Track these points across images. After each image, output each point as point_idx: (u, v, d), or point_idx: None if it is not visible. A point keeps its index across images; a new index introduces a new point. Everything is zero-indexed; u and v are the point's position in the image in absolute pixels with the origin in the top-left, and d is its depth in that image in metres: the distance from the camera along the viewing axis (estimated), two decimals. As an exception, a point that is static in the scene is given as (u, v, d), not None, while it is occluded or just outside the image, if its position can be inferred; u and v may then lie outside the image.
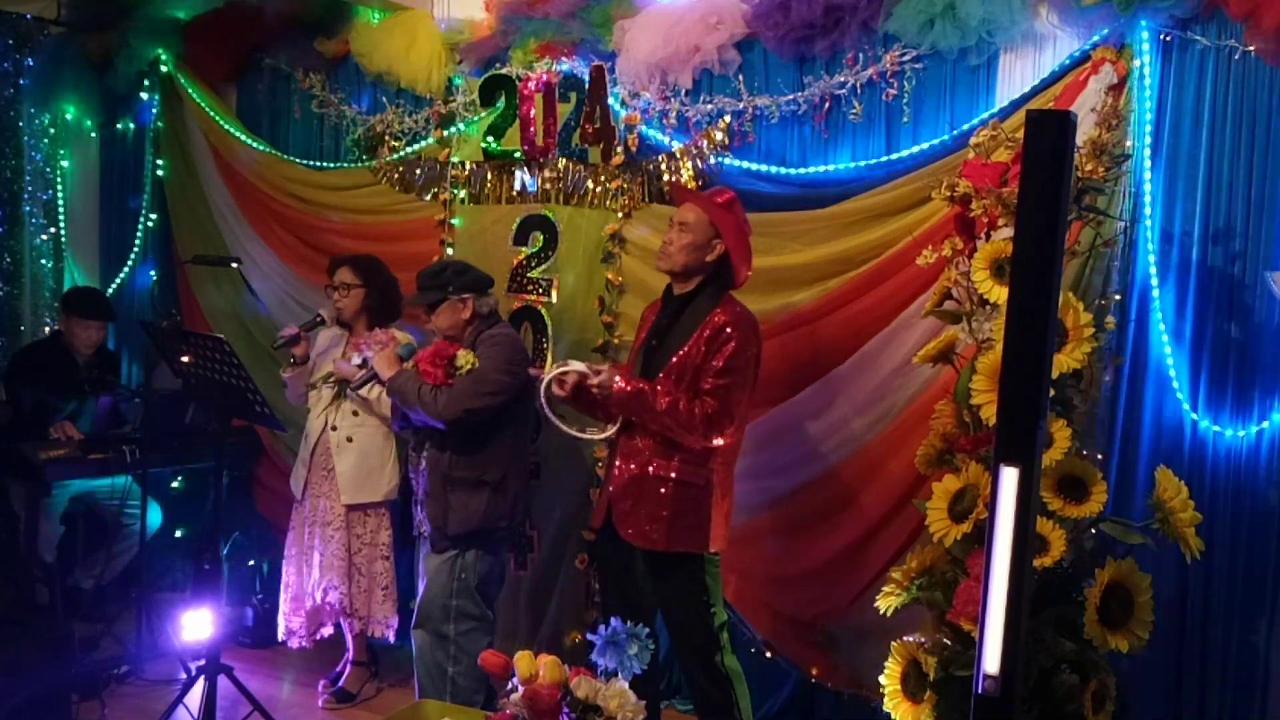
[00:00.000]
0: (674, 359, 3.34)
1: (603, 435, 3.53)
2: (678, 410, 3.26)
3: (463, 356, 3.61)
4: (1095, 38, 3.37)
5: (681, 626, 3.42)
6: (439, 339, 3.73)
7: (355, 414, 4.16)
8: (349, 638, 4.34)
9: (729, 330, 3.29)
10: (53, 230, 5.75)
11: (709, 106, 4.07)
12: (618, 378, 3.35)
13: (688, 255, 3.37)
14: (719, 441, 3.32)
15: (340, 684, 4.33)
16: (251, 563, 5.12)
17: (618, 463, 3.44)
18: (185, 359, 3.79)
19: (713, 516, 3.37)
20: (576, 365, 3.41)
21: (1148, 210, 3.36)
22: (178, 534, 5.25)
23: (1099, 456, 3.28)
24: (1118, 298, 3.36)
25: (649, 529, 3.35)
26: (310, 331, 4.22)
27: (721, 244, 3.37)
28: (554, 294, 4.32)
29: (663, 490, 3.34)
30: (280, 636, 4.31)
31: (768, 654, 4.01)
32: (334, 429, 4.17)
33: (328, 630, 4.31)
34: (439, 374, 3.59)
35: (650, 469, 3.35)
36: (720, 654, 3.40)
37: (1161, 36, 3.33)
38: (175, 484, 5.21)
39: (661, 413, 3.27)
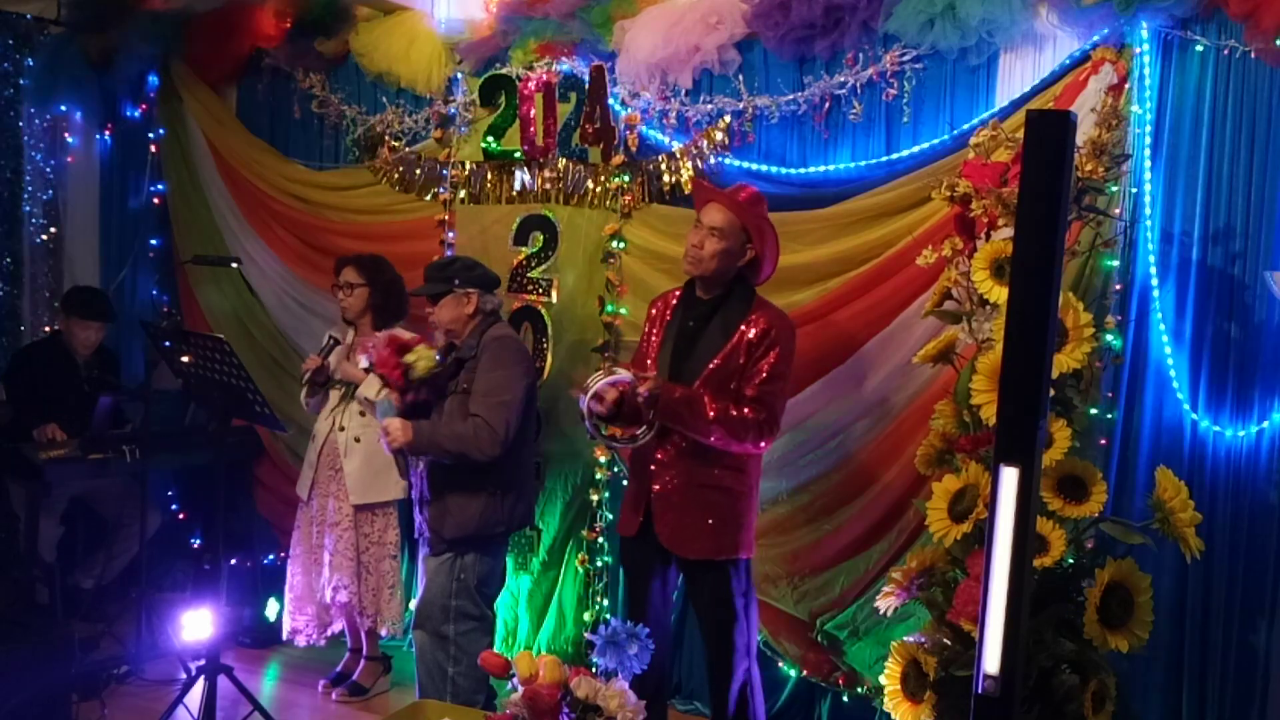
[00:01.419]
0: (711, 365, 3.29)
1: (638, 442, 3.44)
2: (730, 418, 3.21)
3: (418, 353, 3.50)
4: (1095, 38, 3.37)
5: (715, 631, 3.38)
6: (425, 334, 3.66)
7: (363, 414, 4.17)
8: (362, 635, 4.38)
9: (772, 335, 3.26)
10: (53, 230, 5.75)
11: (709, 106, 4.06)
12: (664, 384, 3.25)
13: (720, 262, 3.31)
14: (765, 447, 3.31)
15: (354, 678, 4.36)
16: (251, 563, 5.13)
17: (654, 470, 3.37)
18: (185, 359, 3.79)
19: (750, 519, 3.38)
20: (622, 374, 3.29)
21: (1148, 210, 3.36)
22: (181, 517, 5.26)
23: (1099, 456, 3.28)
24: (1118, 297, 3.36)
25: (694, 538, 3.32)
26: (330, 356, 4.22)
27: (753, 249, 3.33)
28: (554, 294, 4.32)
29: (708, 499, 3.31)
30: (285, 635, 4.34)
31: (767, 654, 4.01)
32: (341, 429, 4.18)
33: (337, 627, 4.35)
34: (396, 375, 3.49)
35: (693, 478, 3.31)
36: (748, 662, 3.40)
37: (1162, 36, 3.33)
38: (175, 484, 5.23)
39: (713, 421, 3.20)
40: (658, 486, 3.35)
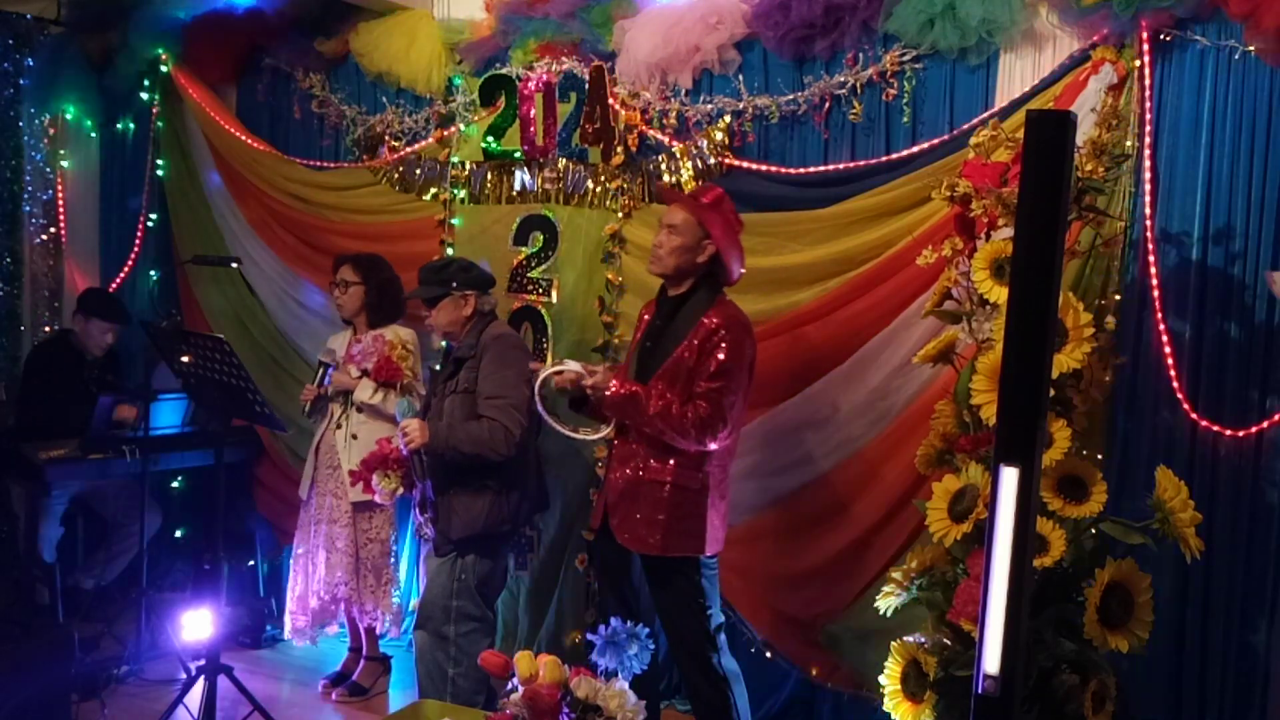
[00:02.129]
0: (668, 362, 3.33)
1: (596, 436, 3.52)
2: (670, 414, 3.24)
3: (380, 479, 3.67)
4: (1095, 38, 3.37)
5: (677, 629, 3.42)
6: (382, 445, 3.71)
7: (360, 411, 4.17)
8: (362, 634, 4.37)
9: (722, 333, 3.27)
10: (53, 230, 5.75)
11: (709, 106, 4.06)
12: (613, 380, 3.33)
13: (678, 258, 3.35)
14: (713, 445, 3.31)
15: (354, 678, 4.36)
16: (251, 563, 5.13)
17: (614, 465, 3.43)
18: (185, 359, 3.79)
19: (709, 520, 3.36)
20: (572, 365, 3.39)
21: (1148, 210, 3.36)
22: (178, 534, 5.25)
23: (1099, 456, 3.28)
24: (1117, 298, 3.36)
25: (645, 534, 3.34)
26: (327, 381, 4.23)
27: (712, 244, 3.35)
28: (554, 294, 4.32)
29: (659, 495, 3.32)
30: (286, 634, 4.34)
31: (768, 654, 4.01)
32: (339, 427, 4.18)
33: (333, 629, 4.34)
34: (370, 491, 3.67)
35: (646, 473, 3.34)
36: (716, 655, 3.39)
37: (1161, 36, 3.33)
38: (175, 484, 5.22)
39: (653, 416, 3.25)
40: (613, 477, 3.40)
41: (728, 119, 4.01)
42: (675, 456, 3.32)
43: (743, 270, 3.46)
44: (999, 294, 2.90)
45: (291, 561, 4.37)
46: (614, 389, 3.30)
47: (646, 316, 3.58)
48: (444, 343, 3.81)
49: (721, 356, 3.26)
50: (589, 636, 2.58)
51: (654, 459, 3.34)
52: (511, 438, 3.49)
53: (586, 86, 4.16)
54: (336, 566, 4.18)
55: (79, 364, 4.87)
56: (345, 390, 4.18)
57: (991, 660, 1.94)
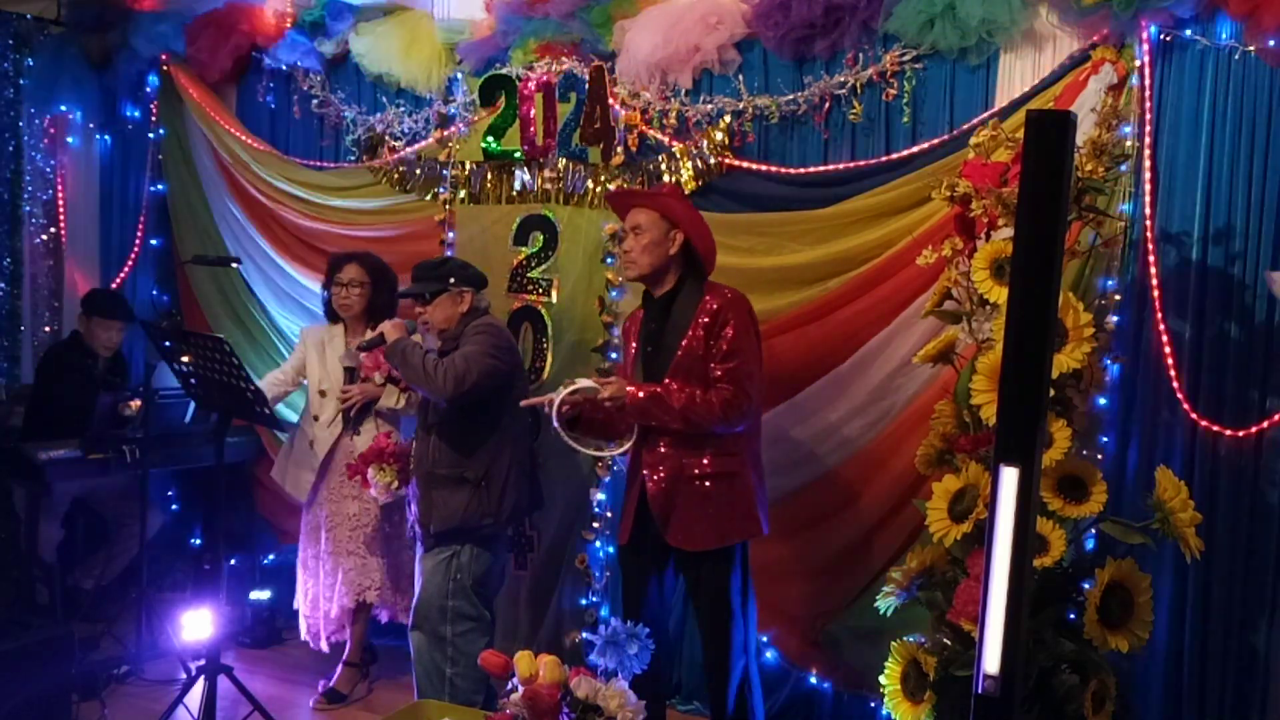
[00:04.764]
0: (677, 356, 3.30)
1: (621, 450, 3.45)
2: (695, 403, 3.22)
3: (374, 472, 3.91)
4: (1095, 38, 3.38)
5: (718, 627, 3.36)
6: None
7: (379, 415, 4.19)
8: (348, 637, 4.35)
9: (724, 314, 3.26)
10: (53, 230, 5.75)
11: (709, 106, 4.07)
12: (629, 386, 3.29)
13: (651, 255, 3.33)
14: (742, 426, 3.29)
15: (331, 683, 4.32)
16: (251, 563, 5.13)
17: (645, 473, 3.35)
18: (185, 359, 3.79)
19: (757, 499, 3.35)
20: (585, 383, 3.32)
21: (1148, 210, 3.36)
22: (178, 534, 5.26)
23: (1099, 456, 3.28)
24: (1118, 298, 3.36)
25: (699, 531, 3.29)
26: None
27: (679, 232, 3.34)
28: (554, 294, 4.32)
29: (702, 487, 3.29)
30: (303, 636, 4.35)
31: (768, 654, 4.01)
32: (357, 434, 4.17)
33: (345, 634, 4.32)
34: (365, 486, 3.89)
35: (683, 471, 3.30)
36: (748, 659, 3.39)
37: (1161, 36, 3.33)
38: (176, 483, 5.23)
39: (681, 409, 3.22)
40: (650, 486, 3.35)
41: (728, 119, 4.01)
42: (708, 446, 3.29)
43: (715, 258, 3.42)
44: (999, 294, 2.90)
45: (299, 566, 4.34)
46: (634, 393, 3.26)
47: (629, 327, 3.55)
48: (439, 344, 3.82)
49: (730, 333, 3.24)
50: (589, 636, 2.58)
51: (687, 454, 3.30)
52: (455, 378, 3.46)
53: (586, 86, 4.16)
54: (369, 570, 4.18)
55: (92, 365, 4.87)
56: (372, 399, 4.18)
57: (991, 660, 1.95)
